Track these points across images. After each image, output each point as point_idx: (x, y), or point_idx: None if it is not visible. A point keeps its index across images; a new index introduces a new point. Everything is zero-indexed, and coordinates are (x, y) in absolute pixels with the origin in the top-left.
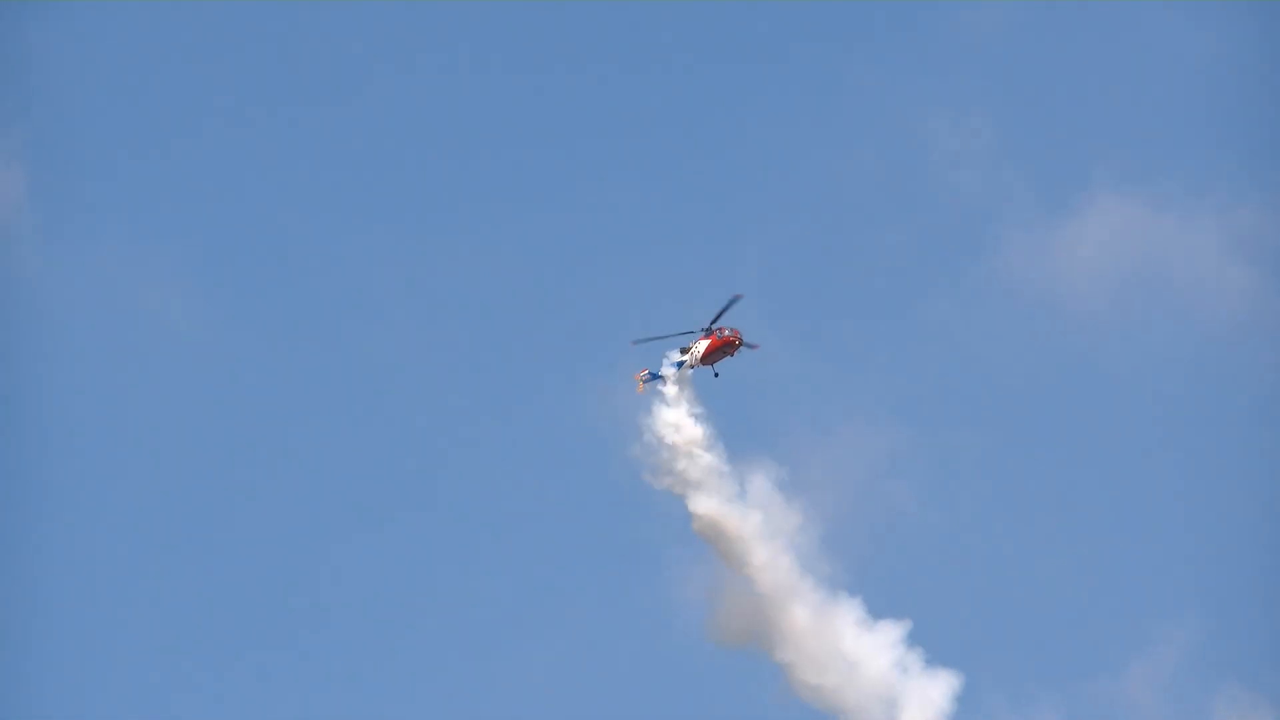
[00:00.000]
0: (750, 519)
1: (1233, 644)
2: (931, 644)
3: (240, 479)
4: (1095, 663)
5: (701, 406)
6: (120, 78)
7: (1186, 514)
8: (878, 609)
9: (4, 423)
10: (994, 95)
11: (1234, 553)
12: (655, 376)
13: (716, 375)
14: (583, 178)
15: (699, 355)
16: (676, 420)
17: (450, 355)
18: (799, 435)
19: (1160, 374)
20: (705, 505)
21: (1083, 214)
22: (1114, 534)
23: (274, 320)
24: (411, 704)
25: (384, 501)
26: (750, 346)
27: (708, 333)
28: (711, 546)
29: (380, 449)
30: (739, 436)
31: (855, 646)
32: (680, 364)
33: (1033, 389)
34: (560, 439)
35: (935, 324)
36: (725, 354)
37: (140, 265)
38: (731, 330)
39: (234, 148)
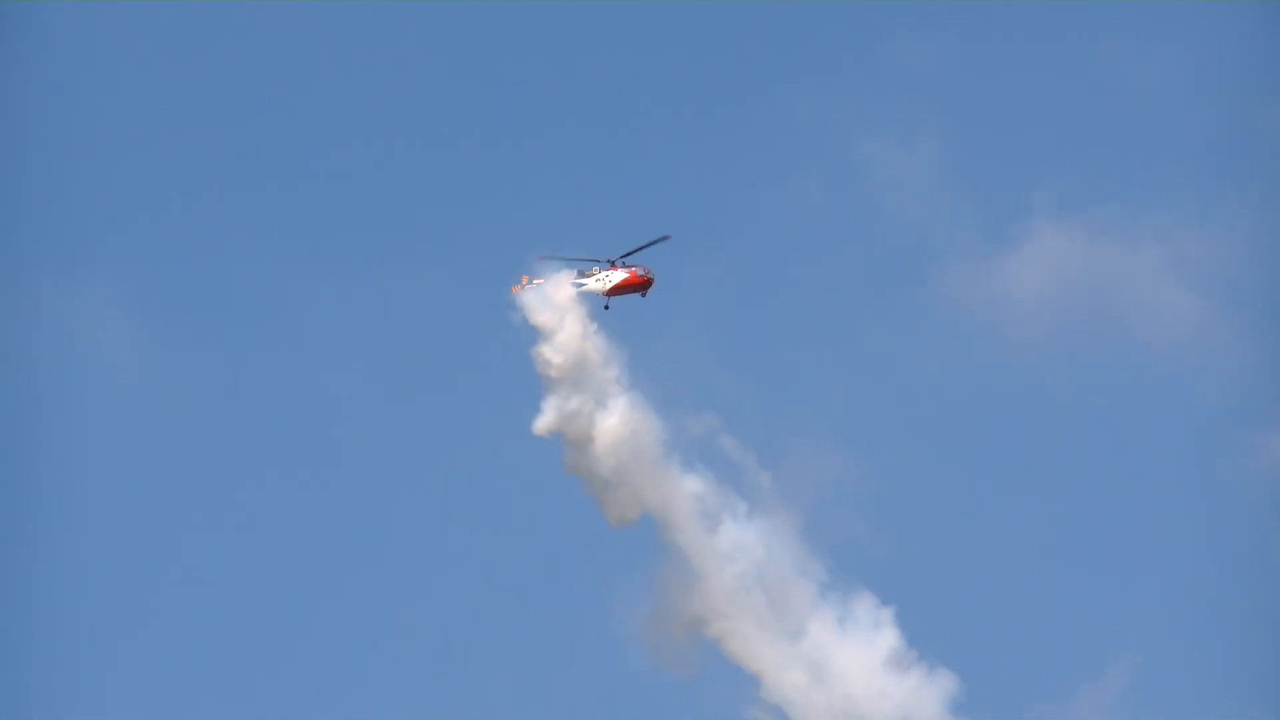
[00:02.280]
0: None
1: (1180, 670)
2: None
3: (182, 517)
4: (1040, 690)
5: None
6: (65, 114)
7: (1129, 537)
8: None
9: None
10: (934, 124)
11: (1175, 577)
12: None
13: (607, 308)
14: (526, 205)
15: (609, 284)
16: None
17: (391, 383)
18: (742, 464)
19: (1103, 399)
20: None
21: (1024, 241)
22: (1056, 559)
23: (216, 358)
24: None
25: (327, 536)
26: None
27: (624, 265)
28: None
29: (323, 486)
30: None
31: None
32: (580, 286)
33: (976, 416)
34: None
35: (877, 352)
36: (634, 292)
37: (81, 302)
38: (644, 269)
39: (177, 185)
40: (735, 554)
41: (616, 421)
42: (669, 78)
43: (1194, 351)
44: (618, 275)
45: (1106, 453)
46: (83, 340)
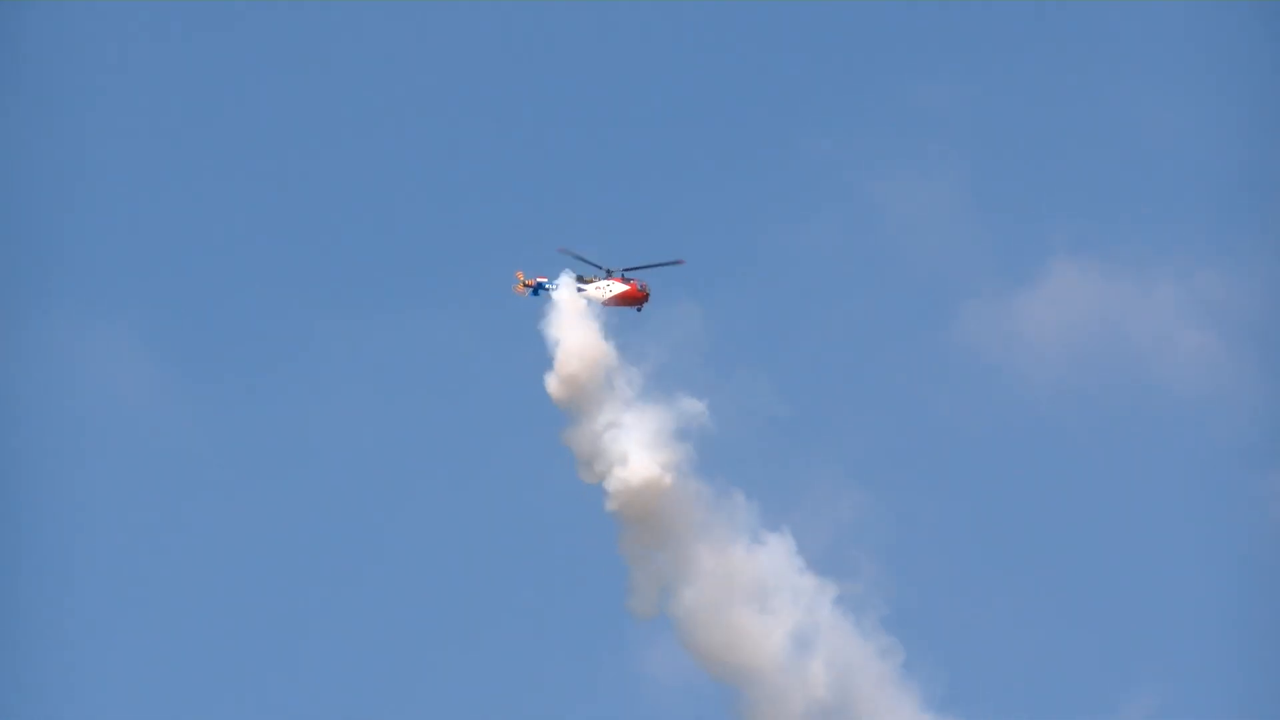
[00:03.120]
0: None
1: (1199, 707)
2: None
3: (199, 554)
4: None
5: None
6: (81, 150)
7: (1146, 578)
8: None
9: None
10: (951, 164)
11: (1194, 616)
12: (541, 288)
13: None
14: (542, 245)
15: (609, 295)
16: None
17: (407, 416)
18: (759, 503)
19: (1119, 438)
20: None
21: (1041, 280)
22: (1073, 599)
23: (235, 396)
24: None
25: (342, 575)
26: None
27: (624, 278)
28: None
29: (340, 521)
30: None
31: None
32: (580, 291)
33: (992, 454)
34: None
35: (894, 391)
36: (629, 306)
37: (95, 337)
38: (644, 285)
39: (192, 218)
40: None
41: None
42: (688, 117)
43: (1211, 390)
44: (619, 287)
45: (1122, 491)
46: (100, 380)
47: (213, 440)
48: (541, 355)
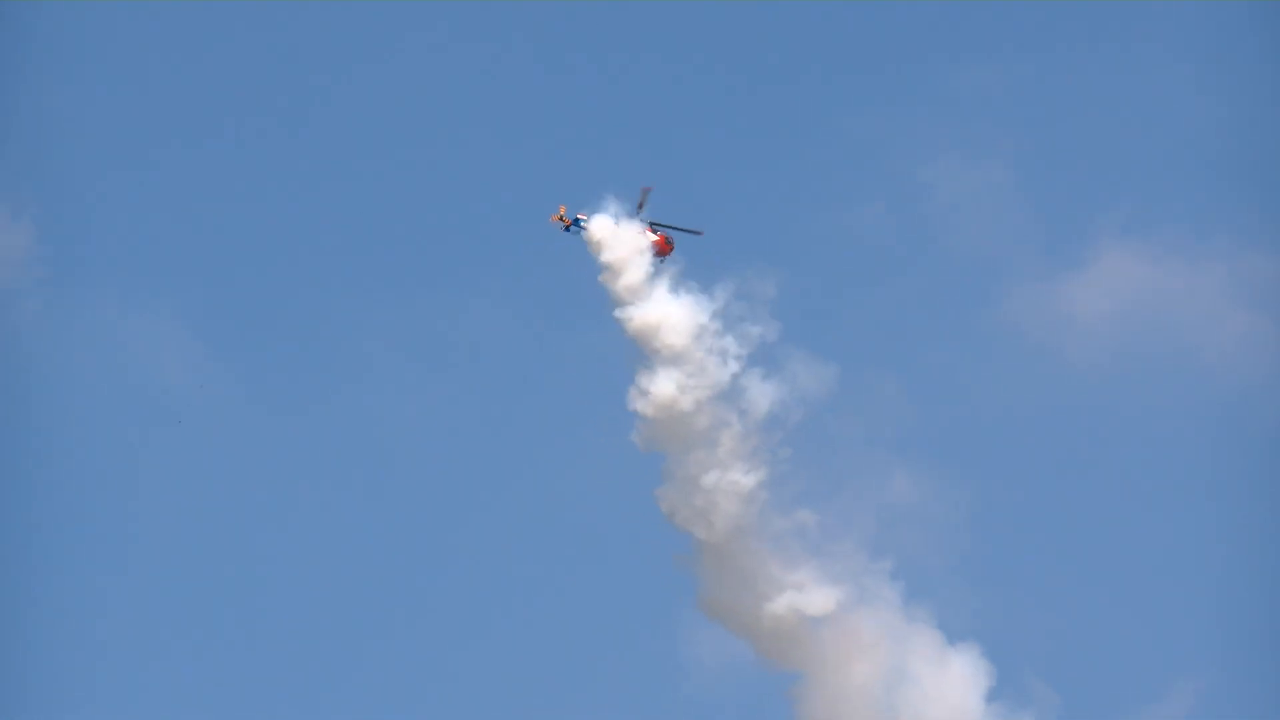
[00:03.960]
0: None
1: (1238, 700)
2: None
3: (241, 547)
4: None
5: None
6: (129, 135)
7: (1193, 565)
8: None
9: (13, 491)
10: (1000, 146)
11: (1242, 605)
12: (578, 224)
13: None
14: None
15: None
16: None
17: (456, 410)
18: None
19: (1166, 421)
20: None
21: (1088, 264)
22: (1118, 583)
23: (277, 381)
24: None
25: (389, 567)
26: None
27: (655, 231)
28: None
29: (386, 513)
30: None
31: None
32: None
33: (1038, 437)
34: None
35: (939, 375)
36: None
37: (144, 324)
38: (671, 240)
39: (242, 206)
40: None
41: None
42: (733, 100)
43: (1261, 373)
44: (651, 237)
45: (1170, 475)
46: (142, 360)
47: (259, 425)
48: (604, 343)
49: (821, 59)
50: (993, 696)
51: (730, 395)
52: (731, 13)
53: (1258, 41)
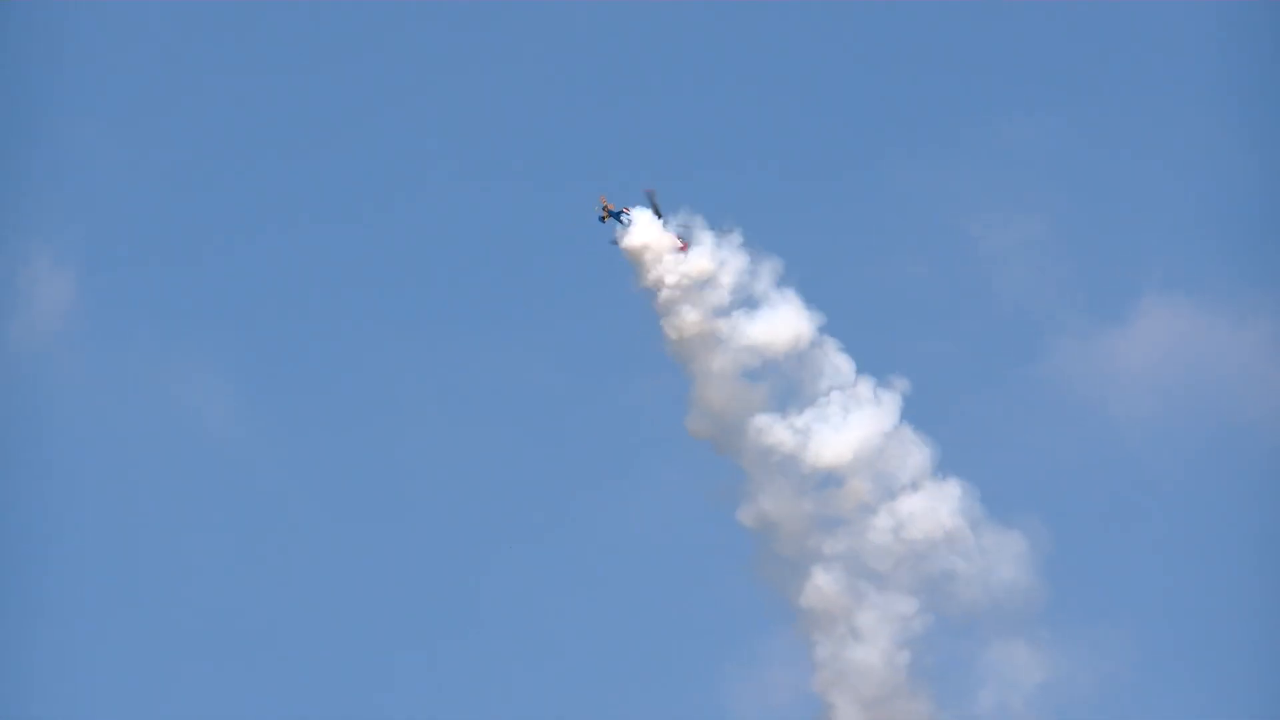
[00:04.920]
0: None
1: None
2: None
3: (276, 585)
4: None
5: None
6: (171, 184)
7: (1234, 620)
8: None
9: (44, 525)
10: (1044, 199)
11: (1272, 656)
12: (617, 217)
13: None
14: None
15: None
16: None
17: (495, 452)
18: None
19: (1210, 477)
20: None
21: (1131, 318)
22: (1159, 639)
23: (316, 427)
24: None
25: (422, 614)
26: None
27: (678, 236)
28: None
29: (420, 555)
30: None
31: None
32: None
33: (1081, 492)
34: (611, 544)
35: (984, 428)
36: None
37: (183, 371)
38: (687, 245)
39: (282, 254)
40: None
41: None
42: (779, 151)
43: None
44: (677, 245)
45: (1211, 530)
46: (181, 407)
47: (298, 472)
48: (651, 390)
49: (867, 111)
50: None
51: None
52: (778, 65)
53: None
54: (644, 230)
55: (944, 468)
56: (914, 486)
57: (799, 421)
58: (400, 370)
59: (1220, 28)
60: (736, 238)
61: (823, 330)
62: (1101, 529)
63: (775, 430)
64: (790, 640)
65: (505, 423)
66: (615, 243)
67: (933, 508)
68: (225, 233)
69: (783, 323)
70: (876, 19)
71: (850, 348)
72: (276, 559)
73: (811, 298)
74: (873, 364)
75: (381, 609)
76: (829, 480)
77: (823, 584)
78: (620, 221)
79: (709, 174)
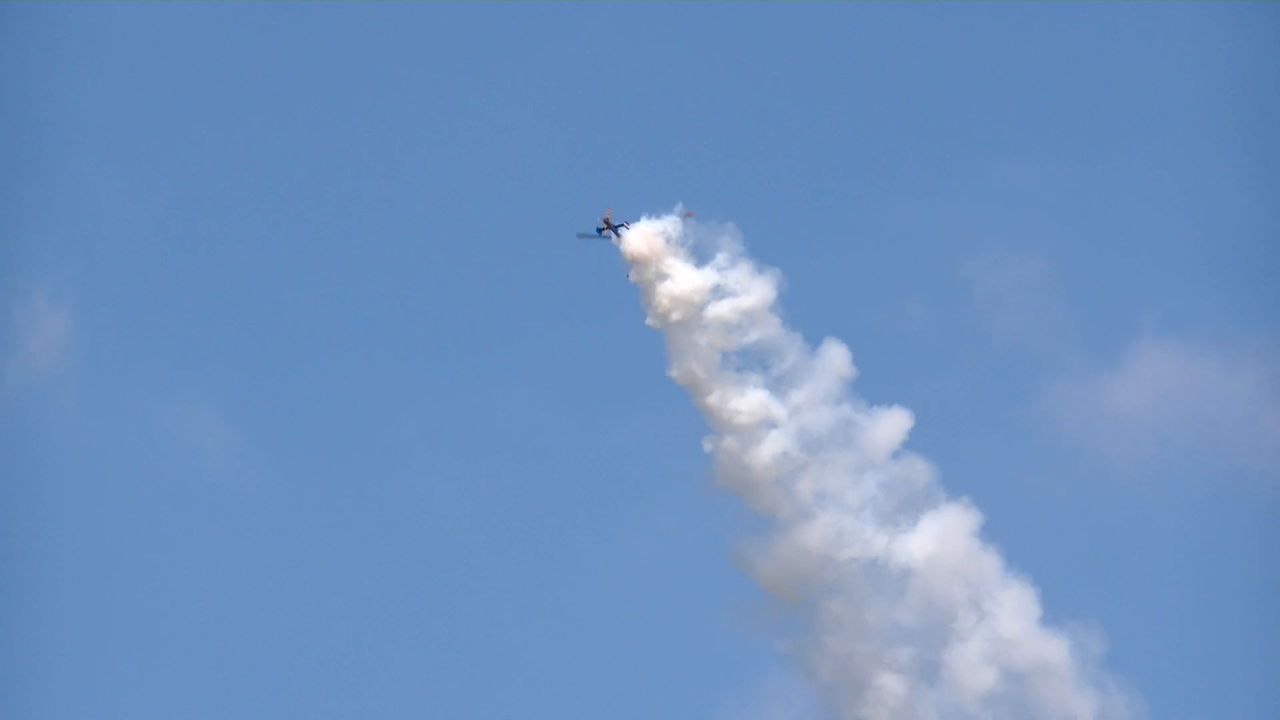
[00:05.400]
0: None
1: None
2: None
3: (272, 620)
4: None
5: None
6: (168, 223)
7: (1228, 664)
8: None
9: (41, 560)
10: (1039, 242)
11: (1269, 704)
12: (616, 230)
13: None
14: (615, 320)
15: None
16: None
17: (490, 490)
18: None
19: (1204, 520)
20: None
21: (1126, 360)
22: (1154, 683)
23: (311, 462)
24: None
25: (424, 658)
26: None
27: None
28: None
29: (417, 591)
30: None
31: None
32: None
33: (1074, 536)
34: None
35: (978, 469)
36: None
37: (181, 410)
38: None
39: (279, 294)
40: None
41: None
42: (776, 192)
43: None
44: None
45: (1205, 573)
46: (178, 446)
47: (294, 513)
48: (643, 429)
49: (864, 152)
50: None
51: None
52: (778, 106)
53: None
54: (642, 237)
55: (938, 499)
56: (985, 600)
57: (866, 530)
58: (395, 407)
59: (1215, 74)
60: (689, 218)
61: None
62: (1094, 570)
63: (843, 535)
64: (786, 682)
65: (501, 459)
66: (594, 235)
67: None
68: (220, 269)
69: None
70: (876, 61)
71: (850, 387)
72: (272, 594)
73: (810, 335)
74: (869, 399)
75: (375, 645)
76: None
77: (889, 693)
78: (616, 235)
79: (706, 210)
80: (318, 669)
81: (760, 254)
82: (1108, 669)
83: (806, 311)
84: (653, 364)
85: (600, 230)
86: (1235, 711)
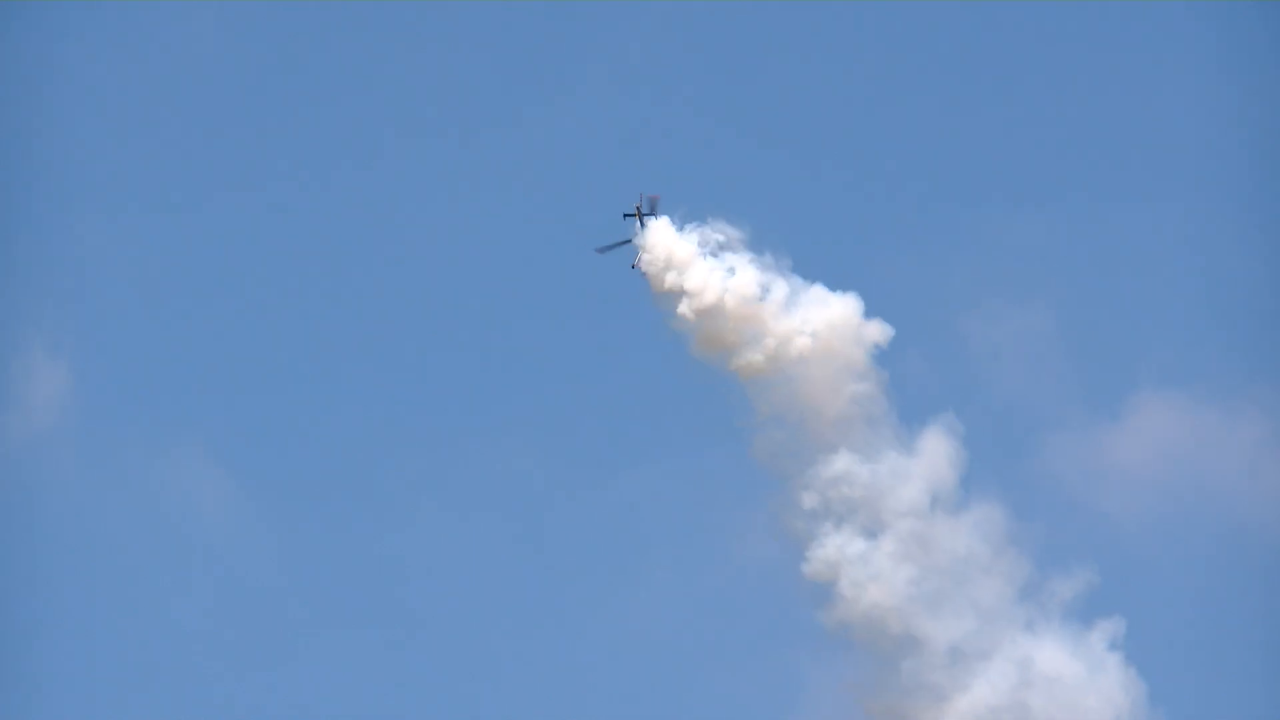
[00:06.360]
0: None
1: None
2: None
3: (269, 678)
4: None
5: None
6: (166, 278)
7: (1226, 712)
8: None
9: (37, 617)
10: (1038, 295)
11: None
12: (645, 216)
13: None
14: (601, 377)
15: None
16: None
17: (485, 546)
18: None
19: (1205, 575)
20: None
21: (1126, 414)
22: None
23: (309, 520)
24: None
25: (415, 699)
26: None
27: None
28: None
29: (413, 650)
30: None
31: None
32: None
33: (1074, 592)
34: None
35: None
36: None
37: (178, 465)
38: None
39: (278, 349)
40: None
41: None
42: (769, 246)
43: None
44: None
45: (1206, 627)
46: (176, 501)
47: (290, 560)
48: (644, 493)
49: (864, 204)
50: None
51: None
52: (772, 159)
53: None
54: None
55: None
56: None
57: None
58: (393, 463)
59: (1213, 124)
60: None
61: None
62: (1094, 622)
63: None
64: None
65: (498, 517)
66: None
67: None
68: (218, 325)
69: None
70: (876, 111)
71: None
72: (269, 652)
73: None
74: None
75: (373, 705)
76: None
77: None
78: (641, 224)
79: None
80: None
81: None
82: None
83: None
84: (653, 413)
85: (634, 215)
86: None
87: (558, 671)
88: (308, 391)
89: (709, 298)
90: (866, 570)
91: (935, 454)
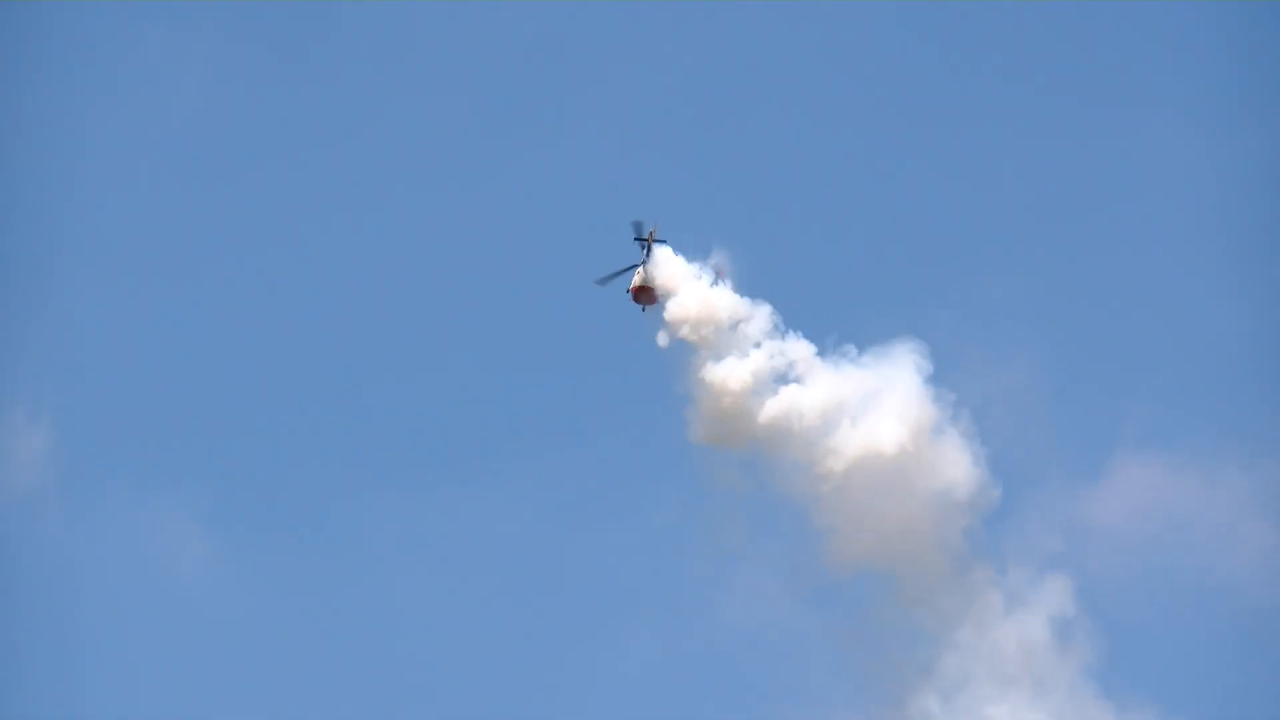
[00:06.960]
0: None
1: None
2: None
3: None
4: None
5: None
6: (145, 337)
7: None
8: None
9: (17, 674)
10: (1016, 356)
11: None
12: (651, 244)
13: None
14: (603, 418)
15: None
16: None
17: (472, 601)
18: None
19: (1186, 636)
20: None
21: (1106, 474)
22: None
23: (291, 578)
24: None
25: None
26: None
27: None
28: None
29: (398, 704)
30: None
31: None
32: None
33: (1056, 654)
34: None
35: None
36: (643, 300)
37: (159, 524)
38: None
39: (256, 406)
40: None
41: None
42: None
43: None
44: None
45: (1187, 688)
46: (157, 560)
47: (272, 624)
48: (621, 543)
49: (844, 264)
50: None
51: None
52: (757, 219)
53: (1276, 249)
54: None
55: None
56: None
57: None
58: (376, 520)
59: (1191, 186)
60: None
61: None
62: (1074, 681)
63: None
64: None
65: (484, 571)
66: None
67: None
68: (198, 384)
69: None
70: (856, 170)
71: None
72: (252, 708)
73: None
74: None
75: None
76: None
77: None
78: (648, 252)
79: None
80: None
81: None
82: None
83: None
84: (642, 469)
85: (639, 239)
86: None
87: None
88: (287, 449)
89: (782, 415)
90: None
91: None
